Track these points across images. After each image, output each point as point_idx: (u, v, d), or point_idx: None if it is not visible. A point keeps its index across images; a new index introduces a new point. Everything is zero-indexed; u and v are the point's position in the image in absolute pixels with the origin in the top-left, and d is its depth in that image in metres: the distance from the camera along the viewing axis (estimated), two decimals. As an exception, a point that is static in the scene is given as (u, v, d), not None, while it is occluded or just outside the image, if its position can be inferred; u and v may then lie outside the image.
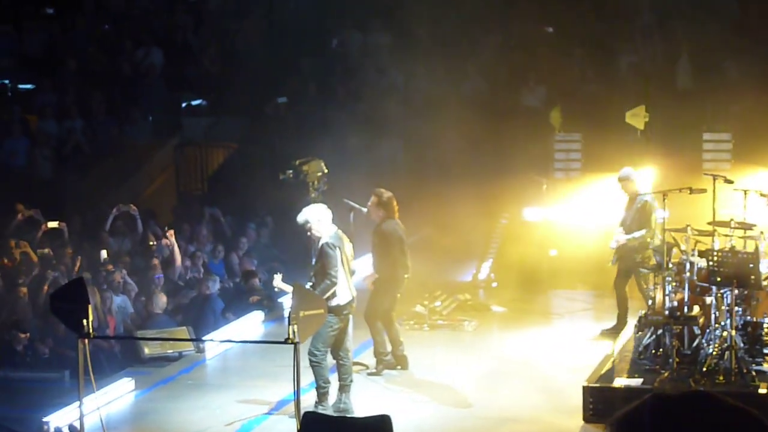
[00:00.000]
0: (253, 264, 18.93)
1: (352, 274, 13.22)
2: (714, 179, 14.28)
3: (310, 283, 12.71)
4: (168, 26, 27.34)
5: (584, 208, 19.19)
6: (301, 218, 12.93)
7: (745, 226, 13.87)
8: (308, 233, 12.93)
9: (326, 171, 13.99)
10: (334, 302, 12.68)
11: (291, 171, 13.85)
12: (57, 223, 18.54)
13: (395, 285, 14.55)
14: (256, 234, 20.43)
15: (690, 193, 14.36)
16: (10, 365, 14.92)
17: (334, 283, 12.65)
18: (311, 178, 13.80)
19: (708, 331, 12.90)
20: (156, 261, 17.82)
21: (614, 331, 15.73)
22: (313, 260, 13.00)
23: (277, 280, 13.10)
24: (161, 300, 16.42)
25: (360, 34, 26.30)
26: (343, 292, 12.85)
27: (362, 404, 13.01)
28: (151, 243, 18.68)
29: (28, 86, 26.34)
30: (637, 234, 15.61)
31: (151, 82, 25.58)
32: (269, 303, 17.42)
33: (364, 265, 15.23)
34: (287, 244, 20.08)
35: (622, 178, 16.00)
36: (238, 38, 26.70)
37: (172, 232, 18.22)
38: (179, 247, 18.46)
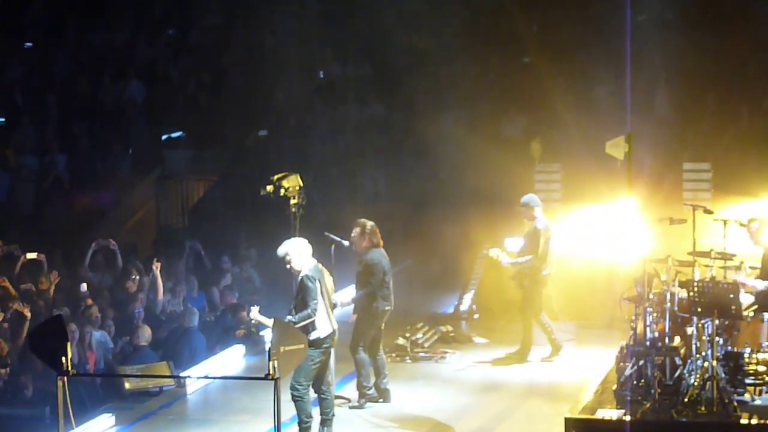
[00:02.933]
0: (234, 297, 18.87)
1: (333, 307, 13.19)
2: (694, 209, 14.32)
3: (290, 317, 12.67)
4: (148, 59, 27.34)
5: (565, 238, 19.20)
6: (281, 251, 12.91)
7: (726, 257, 13.90)
8: (287, 266, 12.90)
9: (302, 185, 13.98)
10: (314, 335, 12.64)
11: (271, 186, 13.83)
12: (36, 254, 18.44)
13: (377, 316, 14.49)
14: (231, 267, 20.34)
15: (670, 224, 14.40)
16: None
17: (314, 314, 12.62)
18: (291, 193, 13.78)
19: (689, 361, 12.90)
20: (138, 294, 17.75)
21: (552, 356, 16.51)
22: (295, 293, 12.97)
23: (254, 312, 12.97)
24: (146, 332, 16.33)
25: (341, 66, 26.35)
26: (324, 324, 12.80)
27: (344, 438, 12.97)
28: (133, 277, 18.59)
29: (6, 120, 26.27)
30: (520, 260, 16.36)
31: (132, 115, 25.56)
32: (256, 336, 17.35)
33: (347, 296, 15.18)
34: (271, 277, 20.01)
35: (522, 204, 16.58)
36: (218, 71, 26.71)
37: (158, 264, 18.12)
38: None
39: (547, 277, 16.59)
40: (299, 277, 12.75)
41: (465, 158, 22.95)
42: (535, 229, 16.40)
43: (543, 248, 16.33)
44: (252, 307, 13.08)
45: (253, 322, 13.08)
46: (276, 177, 13.94)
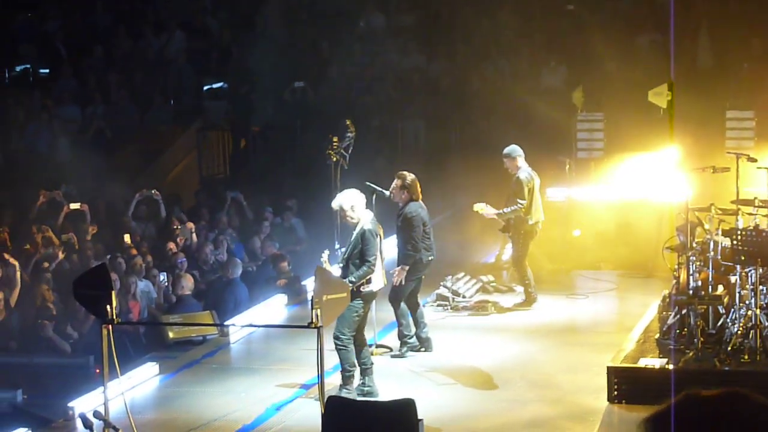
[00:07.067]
0: (274, 247, 18.93)
1: (383, 261, 13.27)
2: (737, 158, 14.20)
3: (350, 277, 12.67)
4: (188, 9, 27.33)
5: (608, 187, 19.15)
6: (335, 204, 12.97)
7: (770, 205, 13.79)
8: (344, 220, 12.97)
9: (353, 129, 14.12)
10: (367, 288, 12.73)
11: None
12: (79, 204, 18.56)
13: (420, 267, 14.52)
14: (275, 217, 20.40)
15: (713, 172, 14.29)
16: (36, 351, 14.95)
17: (372, 270, 12.69)
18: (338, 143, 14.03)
19: (732, 310, 12.84)
20: (173, 245, 17.89)
21: (524, 306, 16.63)
22: (343, 247, 12.99)
23: (324, 258, 12.90)
24: (188, 281, 16.45)
25: (383, 16, 26.25)
26: (378, 279, 12.93)
27: (386, 387, 12.99)
28: (175, 227, 18.71)
29: (49, 71, 26.39)
30: (506, 210, 16.41)
31: (173, 66, 25.59)
32: (297, 286, 17.43)
33: (388, 248, 15.18)
34: (314, 227, 20.04)
35: (504, 155, 16.62)
36: (258, 21, 26.67)
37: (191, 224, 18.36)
38: (201, 231, 18.49)
39: (534, 227, 16.58)
40: (359, 229, 12.76)
41: (507, 108, 22.86)
42: (517, 180, 16.36)
43: (528, 198, 16.30)
44: (323, 253, 12.94)
45: (323, 264, 12.86)
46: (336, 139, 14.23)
